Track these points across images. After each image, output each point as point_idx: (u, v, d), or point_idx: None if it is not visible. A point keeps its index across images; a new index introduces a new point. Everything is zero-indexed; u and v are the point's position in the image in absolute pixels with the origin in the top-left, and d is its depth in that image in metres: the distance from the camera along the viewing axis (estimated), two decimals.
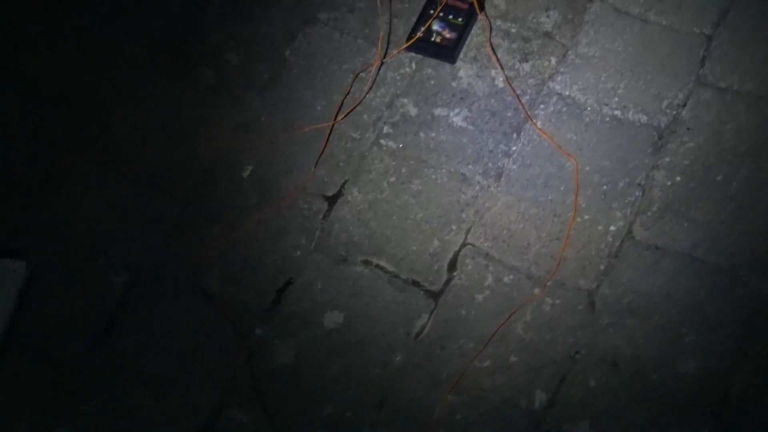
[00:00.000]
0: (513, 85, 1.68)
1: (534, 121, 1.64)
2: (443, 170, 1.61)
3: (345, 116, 1.67)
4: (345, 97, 1.69)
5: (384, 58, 1.73)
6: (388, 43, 1.75)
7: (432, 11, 1.74)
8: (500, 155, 1.62)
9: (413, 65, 1.72)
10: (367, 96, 1.69)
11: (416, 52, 1.74)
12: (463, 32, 1.72)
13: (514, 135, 1.64)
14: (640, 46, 1.70)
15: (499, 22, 1.76)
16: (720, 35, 1.70)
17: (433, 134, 1.65)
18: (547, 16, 1.75)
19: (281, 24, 1.78)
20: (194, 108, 1.71)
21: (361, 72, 1.71)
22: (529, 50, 1.72)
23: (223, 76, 1.74)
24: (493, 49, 1.71)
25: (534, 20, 1.75)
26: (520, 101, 1.66)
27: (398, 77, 1.71)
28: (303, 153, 1.64)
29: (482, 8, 1.75)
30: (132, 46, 1.79)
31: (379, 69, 1.71)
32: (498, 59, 1.70)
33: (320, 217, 1.59)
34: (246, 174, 1.63)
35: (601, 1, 1.76)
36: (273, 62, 1.74)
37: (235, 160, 1.65)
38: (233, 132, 1.67)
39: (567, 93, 1.67)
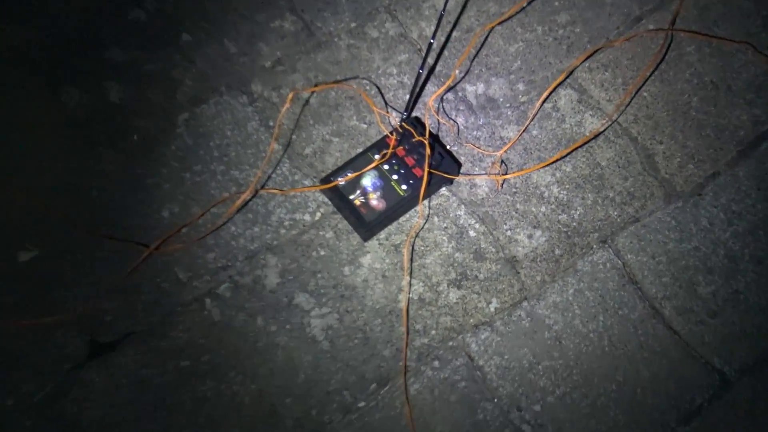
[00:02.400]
0: (416, 314, 1.15)
1: (409, 382, 1.11)
2: (252, 386, 1.12)
3: (179, 247, 1.17)
4: (200, 217, 1.19)
5: (274, 187, 1.22)
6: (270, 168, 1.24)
7: (376, 155, 1.20)
8: (335, 407, 1.10)
9: (318, 214, 1.21)
10: (234, 228, 1.19)
11: (330, 200, 1.21)
12: (397, 207, 1.18)
13: (374, 386, 1.11)
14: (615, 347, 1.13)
15: (464, 206, 1.21)
16: (740, 386, 1.11)
17: (274, 329, 1.14)
18: (529, 236, 1.19)
19: (202, 74, 1.29)
20: (38, 134, 1.25)
21: (242, 191, 1.21)
22: (472, 273, 1.17)
23: (90, 110, 1.26)
24: (412, 253, 1.17)
25: (509, 231, 1.19)
26: (406, 345, 1.12)
27: (288, 223, 1.20)
28: (108, 267, 1.17)
29: (429, 195, 1.21)
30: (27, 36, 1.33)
31: (251, 198, 1.21)
32: (411, 274, 1.16)
33: (68, 367, 1.12)
34: (25, 258, 1.17)
35: (618, 256, 1.18)
36: (157, 120, 1.26)
37: (26, 234, 1.19)
38: (50, 192, 1.21)
39: (481, 363, 1.13)
